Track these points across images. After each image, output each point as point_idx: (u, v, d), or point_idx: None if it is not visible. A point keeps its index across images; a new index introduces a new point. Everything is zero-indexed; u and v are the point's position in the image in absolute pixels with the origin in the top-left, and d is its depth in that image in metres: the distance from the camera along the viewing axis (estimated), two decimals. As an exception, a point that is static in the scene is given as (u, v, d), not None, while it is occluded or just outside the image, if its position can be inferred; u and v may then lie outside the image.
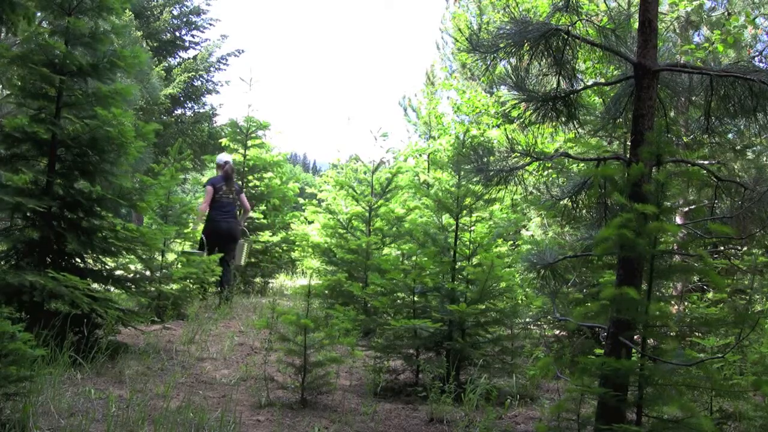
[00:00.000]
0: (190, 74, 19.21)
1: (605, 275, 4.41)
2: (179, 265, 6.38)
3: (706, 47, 7.31)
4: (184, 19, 20.69)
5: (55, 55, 4.55)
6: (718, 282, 2.84)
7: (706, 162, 4.01)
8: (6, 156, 4.63)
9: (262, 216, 10.39)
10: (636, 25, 3.39)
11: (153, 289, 6.25)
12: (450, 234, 4.73)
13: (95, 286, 4.84)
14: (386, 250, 7.48)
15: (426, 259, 4.67)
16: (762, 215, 3.25)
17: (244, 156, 10.22)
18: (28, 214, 4.62)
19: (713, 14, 8.22)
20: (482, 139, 8.87)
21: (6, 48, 4.56)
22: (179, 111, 19.95)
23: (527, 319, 5.57)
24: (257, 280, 9.84)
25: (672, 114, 4.09)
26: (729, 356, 3.78)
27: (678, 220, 6.97)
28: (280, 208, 10.71)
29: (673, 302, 5.72)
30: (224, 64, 20.43)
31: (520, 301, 5.41)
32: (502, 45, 3.50)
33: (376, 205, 7.47)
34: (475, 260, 4.71)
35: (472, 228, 4.77)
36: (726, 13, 7.90)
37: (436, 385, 3.97)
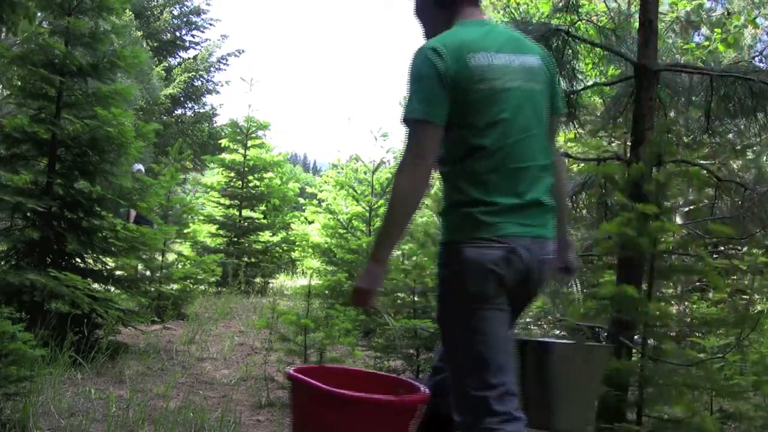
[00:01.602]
0: (190, 74, 19.23)
1: (606, 275, 4.40)
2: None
3: (706, 46, 7.31)
4: (184, 19, 20.71)
5: (55, 55, 4.54)
6: (718, 283, 2.85)
7: (706, 162, 4.01)
8: (6, 156, 4.63)
9: (262, 216, 10.39)
10: (636, 25, 3.39)
11: (153, 289, 6.25)
12: (450, 234, 4.73)
13: (95, 286, 4.83)
14: (386, 250, 7.46)
15: (426, 258, 4.67)
16: (762, 215, 3.26)
17: (245, 156, 10.22)
18: (28, 214, 4.62)
19: (713, 14, 8.22)
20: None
21: (6, 48, 4.56)
22: (179, 111, 19.96)
23: (527, 319, 5.56)
24: (257, 280, 9.84)
25: (672, 114, 4.09)
26: (729, 356, 3.77)
27: (678, 220, 6.96)
28: (280, 208, 10.70)
29: (673, 302, 5.71)
30: (224, 64, 20.45)
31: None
32: (502, 45, 3.49)
33: (376, 205, 7.47)
34: (475, 260, 4.70)
35: (473, 228, 4.77)
36: (726, 13, 7.90)
37: (436, 385, 3.96)
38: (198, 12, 20.73)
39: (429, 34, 2.05)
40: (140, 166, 8.99)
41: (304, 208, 10.51)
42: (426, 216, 7.11)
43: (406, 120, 1.86)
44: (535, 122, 1.91)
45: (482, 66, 1.83)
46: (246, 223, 10.16)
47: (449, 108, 1.83)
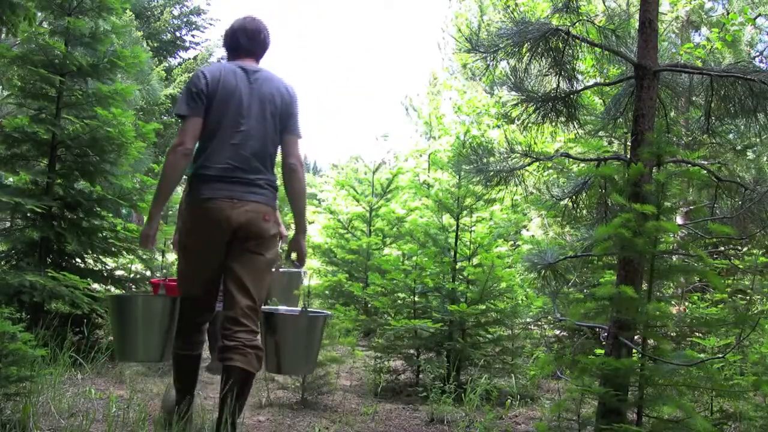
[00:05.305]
0: (190, 74, 19.19)
1: (606, 275, 4.41)
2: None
3: (705, 45, 7.31)
4: (185, 20, 20.72)
5: (55, 55, 4.55)
6: (717, 283, 2.85)
7: (706, 162, 4.01)
8: (6, 156, 4.63)
9: (262, 216, 10.36)
10: (636, 25, 3.39)
11: (153, 289, 6.24)
12: (450, 234, 4.73)
13: (95, 286, 4.84)
14: (387, 251, 7.47)
15: (426, 259, 4.67)
16: (762, 215, 3.25)
17: (245, 156, 10.18)
18: (29, 215, 4.62)
19: (713, 14, 8.22)
20: (483, 139, 8.86)
21: (6, 48, 4.56)
22: (179, 111, 19.92)
23: (528, 320, 5.56)
24: (257, 280, 9.82)
25: (672, 114, 4.09)
26: (729, 356, 3.77)
27: (678, 220, 6.97)
28: (280, 208, 10.68)
29: (673, 302, 5.71)
30: (224, 64, 20.41)
31: (520, 302, 5.40)
32: (502, 45, 3.50)
33: (376, 206, 7.46)
34: (475, 260, 4.70)
35: (473, 228, 4.77)
36: (725, 13, 7.90)
37: (436, 386, 3.97)
38: (198, 12, 20.74)
39: None
40: None
41: (304, 208, 10.44)
42: (426, 217, 7.11)
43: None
44: None
45: None
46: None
47: None
